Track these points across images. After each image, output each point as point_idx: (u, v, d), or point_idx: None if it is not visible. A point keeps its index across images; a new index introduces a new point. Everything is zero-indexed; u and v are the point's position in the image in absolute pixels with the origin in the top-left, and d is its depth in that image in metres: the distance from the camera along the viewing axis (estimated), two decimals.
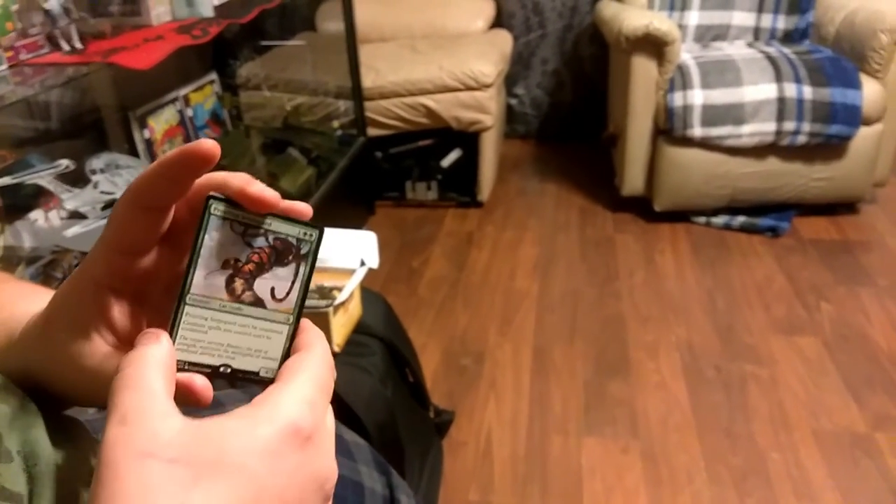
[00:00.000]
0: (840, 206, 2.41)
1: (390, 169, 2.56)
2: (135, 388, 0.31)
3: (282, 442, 0.31)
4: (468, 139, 2.46)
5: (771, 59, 2.23)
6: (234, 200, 0.35)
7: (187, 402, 0.34)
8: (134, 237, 0.35)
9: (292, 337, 0.37)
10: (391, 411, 1.21)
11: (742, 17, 2.60)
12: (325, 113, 2.43)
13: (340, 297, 1.14)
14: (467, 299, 2.04)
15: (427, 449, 1.39)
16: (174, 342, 0.34)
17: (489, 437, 1.53)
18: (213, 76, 2.27)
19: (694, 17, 2.60)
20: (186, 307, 0.34)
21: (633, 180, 2.41)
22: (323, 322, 1.13)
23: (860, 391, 1.60)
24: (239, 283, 0.36)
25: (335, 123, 2.41)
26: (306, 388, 0.33)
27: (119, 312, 0.37)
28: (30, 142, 1.62)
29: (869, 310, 1.89)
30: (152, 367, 0.32)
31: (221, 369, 0.36)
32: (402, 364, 1.36)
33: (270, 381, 0.36)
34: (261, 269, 0.36)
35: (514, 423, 1.56)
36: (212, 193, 0.34)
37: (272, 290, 0.36)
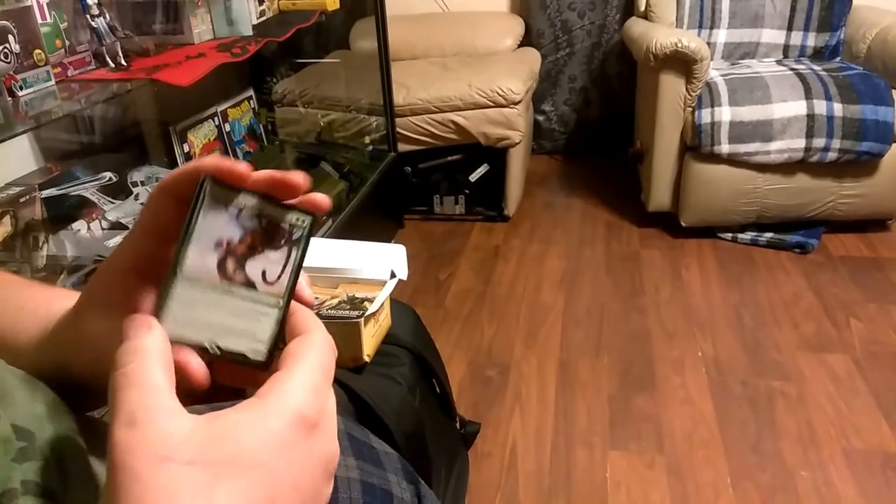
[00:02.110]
0: (870, 223, 2.39)
1: (419, 183, 2.60)
2: (138, 385, 0.31)
3: (292, 432, 0.31)
4: (496, 155, 2.49)
5: (800, 77, 2.23)
6: (228, 184, 0.35)
7: (183, 384, 0.33)
8: (164, 222, 0.37)
9: (282, 321, 0.37)
10: (419, 421, 1.23)
11: (771, 35, 2.60)
12: (357, 129, 2.48)
13: (371, 308, 1.17)
14: (493, 312, 2.06)
15: (453, 459, 1.41)
16: (164, 315, 0.34)
17: (514, 449, 1.54)
18: (250, 92, 2.33)
19: (722, 35, 2.61)
20: (178, 282, 0.34)
21: (659, 196, 2.41)
22: (354, 332, 1.16)
23: (891, 410, 1.59)
24: (231, 264, 0.36)
25: (367, 139, 2.46)
26: (310, 375, 0.33)
27: (145, 297, 0.38)
28: (75, 155, 1.69)
29: None
30: (152, 360, 0.32)
31: (209, 348, 0.35)
32: (430, 375, 1.38)
33: (259, 363, 0.36)
34: (253, 250, 0.36)
35: (539, 436, 1.58)
36: (206, 175, 0.35)
37: (263, 272, 0.36)
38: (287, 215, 0.37)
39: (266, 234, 0.36)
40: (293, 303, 0.38)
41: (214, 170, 0.35)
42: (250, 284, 0.36)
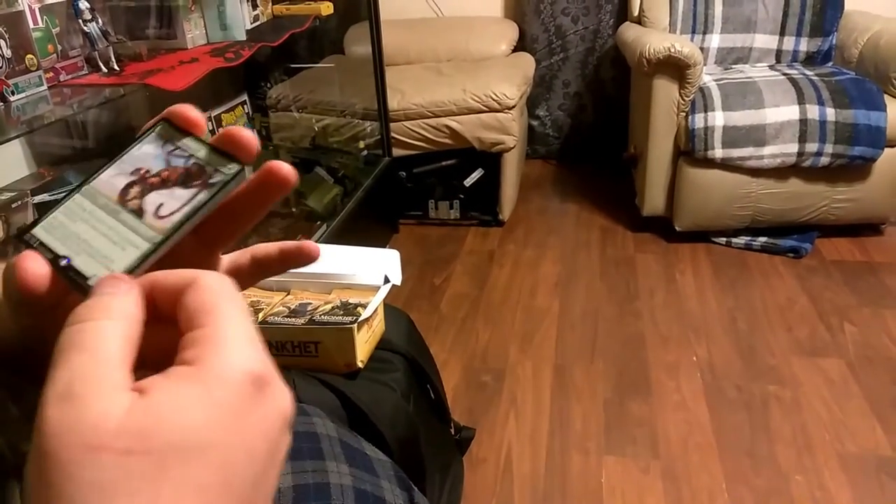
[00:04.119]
0: (864, 228, 2.39)
1: (414, 188, 2.60)
2: (88, 349, 0.27)
3: (243, 398, 0.26)
4: (490, 159, 2.49)
5: (793, 81, 2.24)
6: (184, 129, 0.36)
7: (15, 288, 0.31)
8: None
9: (145, 258, 0.33)
10: (413, 427, 1.23)
11: (764, 40, 2.61)
12: (352, 133, 2.48)
13: (365, 314, 1.17)
14: (488, 316, 2.05)
15: (448, 465, 1.41)
16: (46, 218, 0.33)
17: (509, 455, 1.54)
18: (244, 97, 2.33)
19: (715, 40, 2.62)
20: (76, 195, 0.34)
21: (653, 200, 2.42)
22: (347, 338, 1.15)
23: (885, 414, 1.59)
24: (134, 190, 0.34)
25: (361, 144, 2.46)
26: (240, 324, 0.28)
27: None
28: (67, 160, 1.68)
29: (894, 332, 1.88)
30: (116, 324, 0.28)
31: (61, 261, 0.32)
32: (425, 380, 1.38)
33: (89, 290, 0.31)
34: (164, 184, 0.34)
35: (535, 441, 1.57)
36: (164, 117, 0.36)
37: (160, 205, 0.34)
38: (218, 161, 0.35)
39: (187, 173, 0.35)
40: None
41: (169, 112, 0.35)
42: (139, 213, 0.34)
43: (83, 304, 0.29)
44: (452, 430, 1.50)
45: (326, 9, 2.04)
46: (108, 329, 0.27)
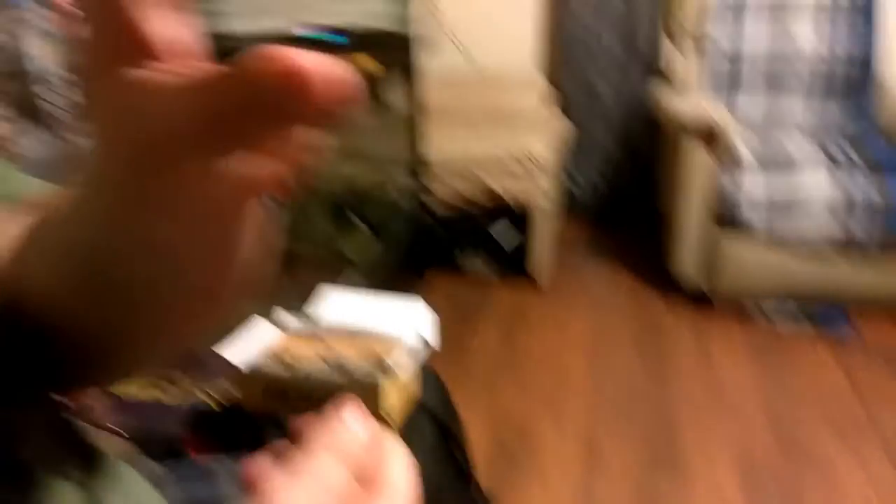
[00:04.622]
0: None
1: (444, 239, 2.58)
2: (315, 480, 0.32)
3: None
4: (524, 217, 2.48)
5: (830, 156, 2.21)
6: None
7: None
8: None
9: None
10: (438, 490, 1.18)
11: (802, 106, 2.58)
12: (386, 182, 2.49)
13: (400, 375, 1.13)
14: (515, 377, 2.01)
15: None
16: None
17: None
18: None
19: (748, 104, 2.60)
20: None
21: (688, 268, 2.37)
22: (373, 395, 1.12)
23: None
24: None
25: (394, 192, 2.47)
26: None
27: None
28: None
29: None
30: (345, 477, 0.33)
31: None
32: (451, 441, 1.33)
33: None
34: None
35: None
36: None
37: None
38: None
39: None
40: None
41: None
42: None
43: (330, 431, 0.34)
44: (478, 498, 1.45)
45: (368, 62, 2.07)
46: (342, 480, 0.32)
